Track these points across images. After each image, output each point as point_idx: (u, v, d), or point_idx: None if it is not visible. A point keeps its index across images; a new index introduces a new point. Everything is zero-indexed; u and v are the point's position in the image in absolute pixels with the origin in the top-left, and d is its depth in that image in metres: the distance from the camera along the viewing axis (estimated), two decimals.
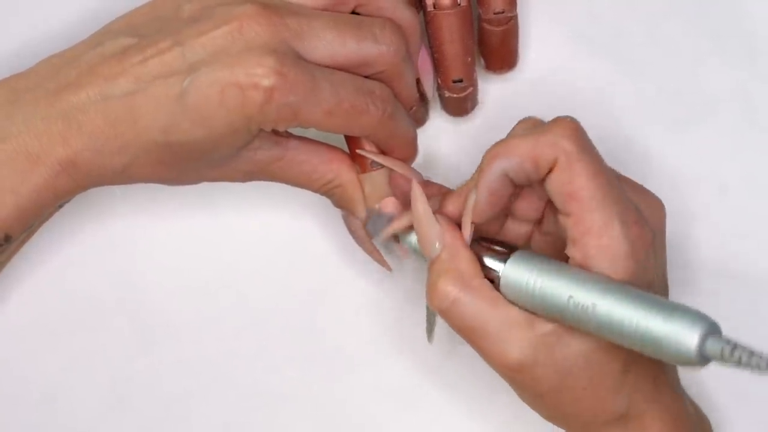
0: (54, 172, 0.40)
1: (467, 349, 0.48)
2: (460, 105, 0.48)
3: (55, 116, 0.40)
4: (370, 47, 0.42)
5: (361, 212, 0.45)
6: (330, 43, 0.41)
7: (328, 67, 0.41)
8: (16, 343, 0.48)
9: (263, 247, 0.49)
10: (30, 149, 0.40)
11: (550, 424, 0.46)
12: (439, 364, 0.48)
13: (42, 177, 0.40)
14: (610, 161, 0.49)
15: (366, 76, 0.43)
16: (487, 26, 0.47)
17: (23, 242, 0.46)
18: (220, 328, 0.48)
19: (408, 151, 0.45)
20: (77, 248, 0.49)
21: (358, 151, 0.44)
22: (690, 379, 0.45)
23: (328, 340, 0.48)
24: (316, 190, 0.44)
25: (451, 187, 0.47)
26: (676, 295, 0.48)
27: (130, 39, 0.41)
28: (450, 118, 0.50)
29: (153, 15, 0.42)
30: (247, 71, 0.39)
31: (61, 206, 0.46)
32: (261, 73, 0.39)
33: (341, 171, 0.44)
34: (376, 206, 0.44)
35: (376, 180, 0.44)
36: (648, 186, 0.49)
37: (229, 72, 0.39)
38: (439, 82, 0.47)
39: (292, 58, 0.40)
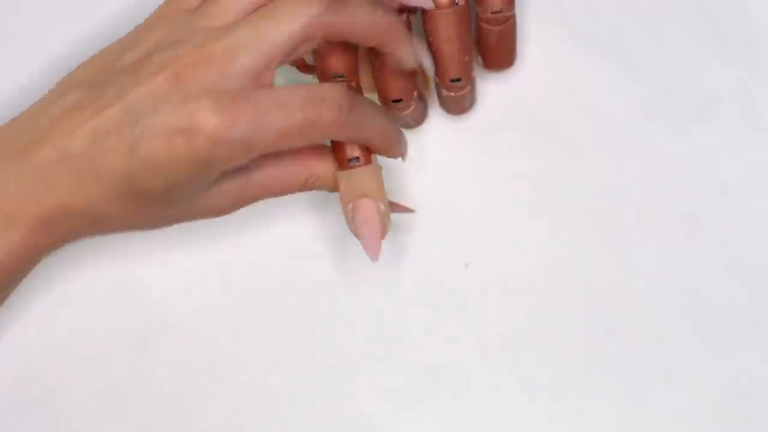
0: (30, 229, 0.41)
1: (467, 349, 0.48)
2: (458, 103, 0.48)
3: (26, 176, 0.41)
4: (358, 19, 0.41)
5: None
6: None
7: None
8: (14, 344, 0.48)
9: (261, 247, 0.49)
10: (5, 209, 0.41)
11: (551, 425, 0.46)
12: (439, 363, 0.48)
13: (19, 235, 0.41)
14: (609, 160, 0.49)
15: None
16: (485, 25, 0.47)
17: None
18: (219, 329, 0.48)
19: (387, 140, 0.44)
20: (74, 249, 0.49)
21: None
22: None
23: (328, 340, 0.48)
24: (297, 191, 0.44)
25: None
26: (676, 294, 0.48)
27: (83, 91, 0.41)
28: (448, 116, 0.50)
29: (101, 65, 0.42)
30: (189, 116, 0.39)
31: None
32: (201, 117, 0.39)
33: (313, 165, 0.44)
34: (349, 206, 0.44)
35: (352, 179, 0.44)
36: (648, 186, 0.49)
37: (171, 119, 0.39)
38: (437, 80, 0.47)
39: (231, 94, 0.39)
